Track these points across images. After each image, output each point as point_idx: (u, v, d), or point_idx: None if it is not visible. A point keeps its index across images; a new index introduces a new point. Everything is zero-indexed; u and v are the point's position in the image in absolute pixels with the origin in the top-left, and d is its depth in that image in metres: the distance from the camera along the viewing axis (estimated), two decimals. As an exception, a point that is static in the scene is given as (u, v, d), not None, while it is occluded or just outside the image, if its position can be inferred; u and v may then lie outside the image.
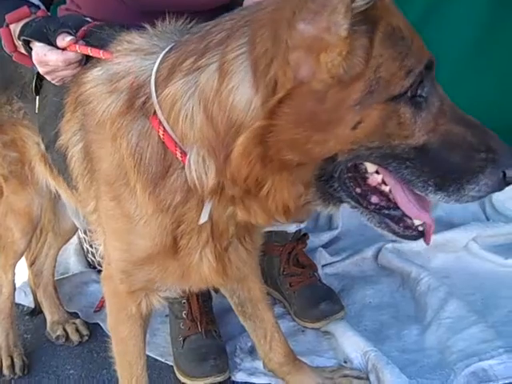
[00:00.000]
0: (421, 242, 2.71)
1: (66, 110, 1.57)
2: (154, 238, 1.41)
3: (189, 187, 1.28)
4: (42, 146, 1.86)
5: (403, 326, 2.28)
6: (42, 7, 1.74)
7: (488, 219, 2.91)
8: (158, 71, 1.28)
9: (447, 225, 2.74)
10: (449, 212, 2.83)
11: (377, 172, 1.21)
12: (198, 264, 1.45)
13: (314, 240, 2.73)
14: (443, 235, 2.64)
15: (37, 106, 1.79)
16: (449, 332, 2.15)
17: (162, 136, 1.27)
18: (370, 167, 1.20)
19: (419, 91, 1.12)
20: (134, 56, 1.37)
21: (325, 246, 2.79)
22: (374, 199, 1.23)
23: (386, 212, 1.24)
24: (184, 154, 1.25)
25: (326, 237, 2.83)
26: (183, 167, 1.26)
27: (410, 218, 1.24)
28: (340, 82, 1.08)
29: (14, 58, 1.70)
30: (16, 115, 1.93)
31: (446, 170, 1.15)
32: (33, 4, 1.71)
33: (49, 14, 1.75)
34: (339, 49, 1.06)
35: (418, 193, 1.19)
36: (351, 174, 1.20)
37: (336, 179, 1.19)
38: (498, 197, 2.86)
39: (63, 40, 1.53)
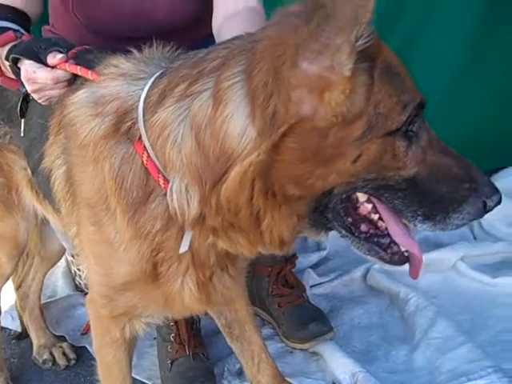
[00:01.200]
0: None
1: (50, 132, 1.56)
2: (133, 265, 1.39)
3: (170, 215, 1.27)
4: (29, 171, 1.85)
5: (392, 346, 2.28)
6: (23, 31, 1.75)
7: (475, 239, 2.92)
8: (147, 97, 1.27)
9: (435, 245, 2.74)
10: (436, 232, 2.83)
11: (367, 201, 1.23)
12: (180, 292, 1.44)
13: (303, 261, 2.73)
14: (431, 255, 2.63)
15: (22, 128, 1.77)
16: (437, 352, 2.14)
17: (145, 162, 1.26)
18: (362, 197, 1.22)
19: (411, 126, 1.14)
20: (121, 81, 1.36)
21: (313, 266, 2.78)
22: (364, 227, 1.25)
23: (375, 239, 1.26)
24: (166, 181, 1.24)
25: (314, 257, 2.82)
26: (165, 194, 1.25)
27: (397, 244, 1.26)
28: (343, 120, 1.09)
29: (0, 83, 1.70)
30: (2, 140, 1.93)
31: (433, 200, 1.18)
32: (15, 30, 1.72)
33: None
34: (343, 87, 1.07)
35: (406, 222, 1.22)
36: (344, 205, 1.21)
37: (330, 210, 1.20)
38: (486, 217, 2.86)
39: (54, 58, 1.53)
